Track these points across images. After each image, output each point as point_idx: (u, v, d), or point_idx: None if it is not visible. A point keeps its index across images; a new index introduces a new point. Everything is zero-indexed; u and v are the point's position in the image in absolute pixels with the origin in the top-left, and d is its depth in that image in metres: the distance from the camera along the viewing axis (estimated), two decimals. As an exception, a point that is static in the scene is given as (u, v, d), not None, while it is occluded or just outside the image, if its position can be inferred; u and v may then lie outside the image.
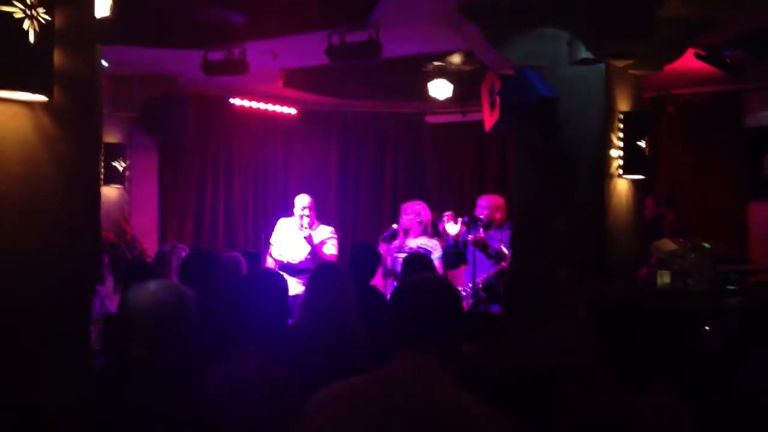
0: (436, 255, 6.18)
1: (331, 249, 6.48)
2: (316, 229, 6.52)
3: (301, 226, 6.45)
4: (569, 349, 2.63)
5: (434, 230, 6.69)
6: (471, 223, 6.08)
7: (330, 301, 3.37)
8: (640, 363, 2.25)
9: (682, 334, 3.43)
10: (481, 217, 6.18)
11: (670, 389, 2.26)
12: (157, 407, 2.37)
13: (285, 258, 6.52)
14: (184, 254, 4.66)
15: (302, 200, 6.59)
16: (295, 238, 6.51)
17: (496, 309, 5.57)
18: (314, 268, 3.68)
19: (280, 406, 2.51)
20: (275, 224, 6.83)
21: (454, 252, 6.13)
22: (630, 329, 2.29)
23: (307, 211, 6.50)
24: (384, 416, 1.78)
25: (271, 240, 6.70)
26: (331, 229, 6.63)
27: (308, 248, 6.42)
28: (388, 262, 6.32)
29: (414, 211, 6.48)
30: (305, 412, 1.88)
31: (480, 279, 5.92)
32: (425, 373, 1.85)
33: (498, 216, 6.23)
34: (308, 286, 3.51)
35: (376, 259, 4.82)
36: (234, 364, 2.64)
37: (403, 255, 6.23)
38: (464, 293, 5.91)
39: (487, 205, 6.29)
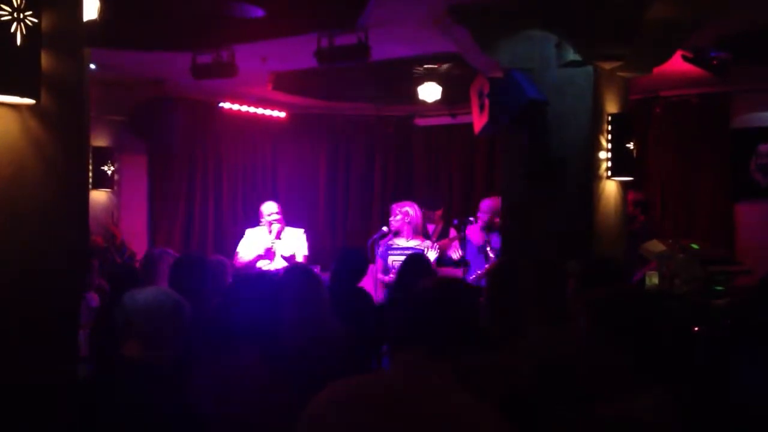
0: (432, 256, 6.15)
1: (303, 252, 6.50)
2: (283, 232, 6.50)
3: (270, 231, 6.42)
4: (564, 352, 2.58)
5: (424, 231, 6.69)
6: (461, 226, 6.10)
7: (306, 300, 3.42)
8: (657, 359, 2.20)
9: (688, 331, 3.41)
10: (471, 219, 6.21)
11: (665, 390, 2.25)
12: (150, 407, 2.37)
13: (260, 264, 6.41)
14: (172, 260, 4.63)
15: (270, 207, 6.56)
16: (262, 246, 6.42)
17: None
18: (286, 271, 3.77)
19: (272, 404, 2.52)
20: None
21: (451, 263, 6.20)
22: (649, 324, 2.23)
23: (275, 216, 6.47)
24: (383, 418, 1.78)
25: (238, 249, 6.57)
26: (301, 230, 6.60)
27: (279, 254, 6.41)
28: (379, 264, 6.31)
29: (403, 212, 6.45)
30: (306, 414, 1.88)
31: (472, 278, 5.94)
32: (426, 375, 1.84)
33: (497, 220, 6.16)
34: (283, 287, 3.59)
35: (363, 261, 4.84)
36: (227, 364, 2.66)
37: (393, 257, 6.25)
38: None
39: (487, 209, 6.28)
